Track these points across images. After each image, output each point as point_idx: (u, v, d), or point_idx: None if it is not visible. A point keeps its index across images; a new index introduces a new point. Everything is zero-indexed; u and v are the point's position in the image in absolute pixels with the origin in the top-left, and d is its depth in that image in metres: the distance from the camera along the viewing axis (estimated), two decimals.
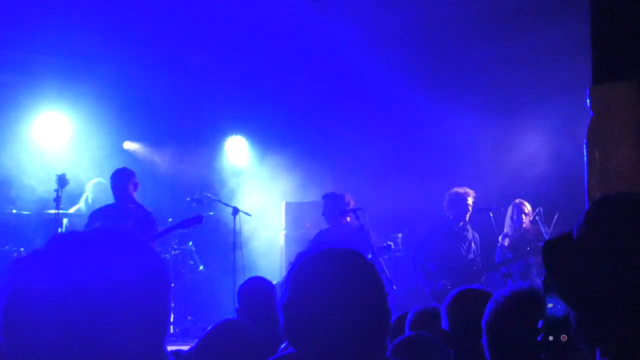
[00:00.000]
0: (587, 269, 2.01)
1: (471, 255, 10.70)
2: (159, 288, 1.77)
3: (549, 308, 2.16)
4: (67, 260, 1.68)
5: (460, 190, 10.70)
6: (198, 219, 9.64)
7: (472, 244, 10.79)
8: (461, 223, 10.73)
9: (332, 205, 10.62)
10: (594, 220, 2.06)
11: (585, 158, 4.81)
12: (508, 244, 10.75)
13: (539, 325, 2.19)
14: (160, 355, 1.77)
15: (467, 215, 10.70)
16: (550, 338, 2.17)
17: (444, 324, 3.92)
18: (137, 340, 1.70)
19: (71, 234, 1.77)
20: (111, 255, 1.71)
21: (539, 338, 2.19)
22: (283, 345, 4.16)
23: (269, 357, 3.02)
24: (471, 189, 10.70)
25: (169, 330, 10.60)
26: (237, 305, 5.50)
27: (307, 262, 2.87)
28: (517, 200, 10.86)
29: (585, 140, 4.81)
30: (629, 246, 1.97)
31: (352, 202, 10.56)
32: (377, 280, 2.88)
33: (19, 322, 1.64)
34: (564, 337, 2.16)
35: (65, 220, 11.34)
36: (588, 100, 4.81)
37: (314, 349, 2.75)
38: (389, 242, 10.61)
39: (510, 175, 11.76)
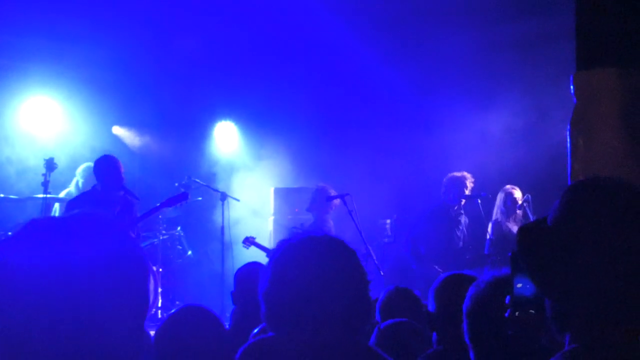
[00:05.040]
0: (559, 255, 2.01)
1: (461, 243, 10.70)
2: (136, 272, 1.79)
3: (518, 288, 2.18)
4: (44, 244, 1.70)
5: (458, 174, 10.69)
6: (183, 196, 9.62)
7: (465, 229, 10.79)
8: (456, 207, 10.72)
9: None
10: (566, 206, 2.06)
11: (568, 144, 4.83)
12: (498, 232, 10.66)
13: (506, 302, 2.21)
14: (140, 337, 1.79)
15: (463, 200, 10.68)
16: (517, 314, 2.19)
17: (431, 306, 3.94)
18: (114, 322, 1.71)
19: (49, 219, 1.79)
20: (87, 240, 1.73)
21: (506, 314, 2.21)
22: (256, 330, 4.18)
23: (232, 342, 3.02)
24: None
25: (157, 315, 10.61)
26: (232, 289, 5.52)
27: (289, 249, 2.87)
28: (507, 187, 10.78)
29: (568, 127, 4.84)
30: (601, 233, 1.97)
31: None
32: (358, 268, 2.87)
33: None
34: (531, 312, 2.18)
35: (57, 205, 11.33)
36: (572, 87, 4.83)
37: (293, 333, 2.75)
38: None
39: (497, 161, 11.72)
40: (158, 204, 9.93)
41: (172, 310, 3.76)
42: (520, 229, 2.15)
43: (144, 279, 1.81)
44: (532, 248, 2.09)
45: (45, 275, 1.65)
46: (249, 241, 11.26)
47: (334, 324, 2.73)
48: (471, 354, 3.33)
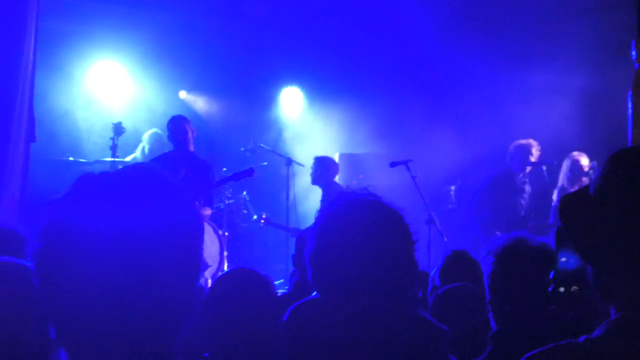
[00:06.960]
0: (603, 223, 1.99)
1: (524, 212, 10.62)
2: (187, 229, 1.78)
3: (562, 262, 2.15)
4: (96, 201, 1.70)
5: (524, 141, 10.60)
6: (249, 172, 9.73)
7: (528, 198, 10.70)
8: (521, 174, 10.64)
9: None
10: (610, 174, 2.03)
11: (629, 110, 4.75)
12: None
13: (550, 277, 2.19)
14: (190, 295, 1.79)
15: (528, 167, 10.60)
16: (561, 289, 2.17)
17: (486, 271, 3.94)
18: (168, 280, 1.72)
19: (101, 174, 1.78)
20: (139, 196, 1.73)
21: (549, 289, 2.19)
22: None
23: (288, 304, 3.04)
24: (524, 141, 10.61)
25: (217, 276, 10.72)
26: (293, 252, 5.57)
27: (333, 212, 2.88)
28: (574, 153, 10.60)
29: (630, 92, 4.75)
30: None
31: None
32: (404, 230, 2.83)
33: (52, 263, 1.69)
34: (574, 289, 2.15)
35: None
36: (633, 53, 4.74)
37: (336, 297, 2.76)
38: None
39: (565, 129, 11.53)
40: (223, 178, 10.09)
41: (223, 272, 3.84)
42: (562, 199, 2.13)
43: (198, 237, 1.81)
44: (575, 217, 2.07)
45: (99, 233, 1.65)
46: (266, 220, 11.42)
47: (376, 287, 2.72)
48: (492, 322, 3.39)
